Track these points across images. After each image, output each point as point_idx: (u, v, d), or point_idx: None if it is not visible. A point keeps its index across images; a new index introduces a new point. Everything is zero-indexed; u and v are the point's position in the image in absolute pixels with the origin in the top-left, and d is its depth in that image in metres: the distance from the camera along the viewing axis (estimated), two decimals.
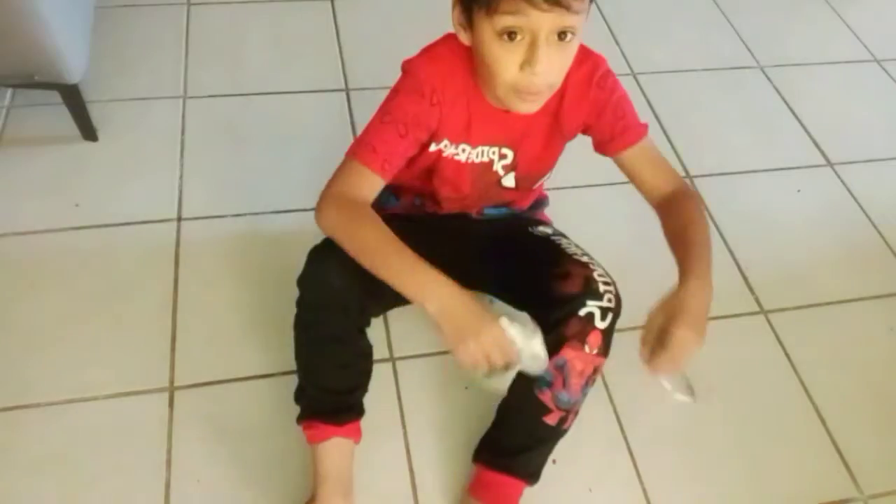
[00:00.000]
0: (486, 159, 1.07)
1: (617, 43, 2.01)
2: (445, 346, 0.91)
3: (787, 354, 1.39)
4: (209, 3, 1.95)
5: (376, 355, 1.29)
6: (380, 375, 1.27)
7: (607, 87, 1.04)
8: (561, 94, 1.01)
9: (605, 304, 1.00)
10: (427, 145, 1.03)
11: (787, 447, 1.27)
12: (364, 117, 1.65)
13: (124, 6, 1.89)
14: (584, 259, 1.05)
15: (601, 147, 1.08)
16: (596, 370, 1.03)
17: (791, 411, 1.32)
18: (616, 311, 1.01)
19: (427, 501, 1.15)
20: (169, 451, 1.16)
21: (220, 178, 1.55)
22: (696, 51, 2.03)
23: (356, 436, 1.10)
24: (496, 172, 1.10)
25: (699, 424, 1.28)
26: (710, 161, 1.73)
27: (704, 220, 1.04)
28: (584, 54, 1.02)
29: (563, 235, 1.15)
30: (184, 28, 1.87)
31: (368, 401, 1.23)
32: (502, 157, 1.08)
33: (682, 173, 1.69)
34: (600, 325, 1.00)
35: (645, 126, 1.07)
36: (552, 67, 0.89)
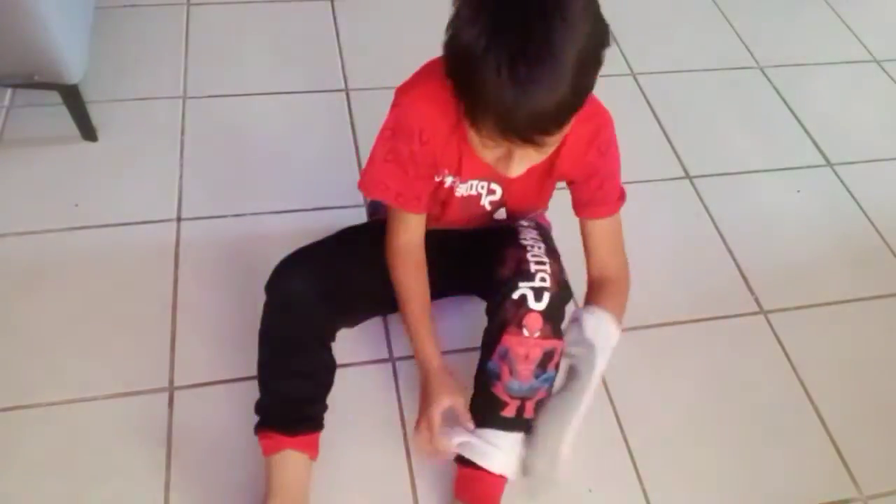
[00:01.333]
0: (473, 192, 1.07)
1: (617, 43, 2.01)
2: None
3: (786, 354, 1.39)
4: (209, 3, 1.95)
5: (376, 355, 1.30)
6: (380, 375, 1.27)
7: (607, 156, 1.03)
8: (560, 145, 0.96)
9: (537, 283, 0.96)
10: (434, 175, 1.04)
11: (787, 447, 1.27)
12: (364, 117, 1.68)
13: (124, 6, 1.89)
14: (525, 243, 1.02)
15: (574, 205, 1.09)
16: (547, 354, 0.98)
17: (791, 411, 1.32)
18: (555, 291, 0.97)
19: (427, 502, 1.15)
20: (169, 451, 1.16)
21: (220, 178, 1.55)
22: (695, 51, 2.03)
23: (312, 451, 1.06)
24: (483, 206, 1.10)
25: (699, 424, 1.28)
26: (710, 161, 1.73)
27: (623, 310, 1.08)
28: (594, 110, 0.98)
29: (539, 228, 1.10)
30: (184, 28, 1.87)
31: (368, 401, 1.24)
32: (491, 192, 1.08)
33: (682, 173, 1.69)
34: (536, 306, 0.96)
35: (619, 203, 1.08)
36: (530, 165, 0.91)
